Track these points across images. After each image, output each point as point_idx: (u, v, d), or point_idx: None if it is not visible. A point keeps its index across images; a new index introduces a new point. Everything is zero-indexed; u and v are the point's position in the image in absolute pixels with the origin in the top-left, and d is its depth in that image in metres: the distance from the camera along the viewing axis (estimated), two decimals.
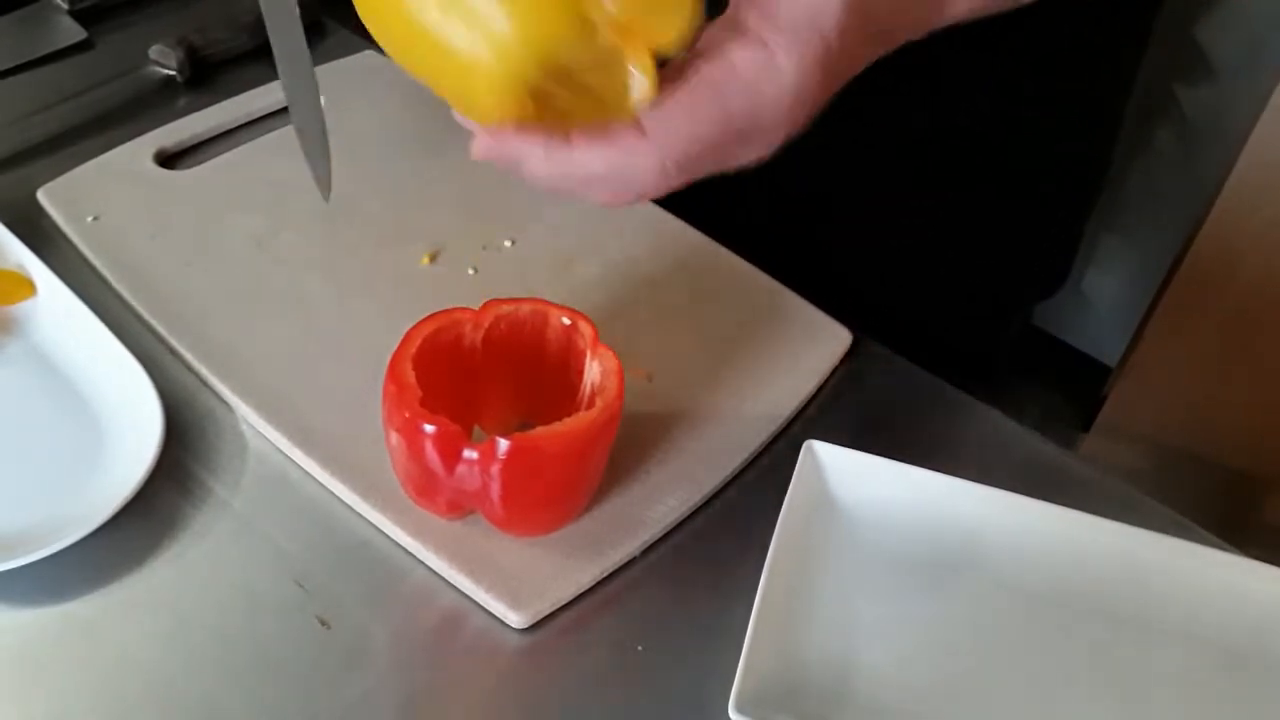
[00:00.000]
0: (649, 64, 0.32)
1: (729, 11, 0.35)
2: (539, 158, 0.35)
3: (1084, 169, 0.71)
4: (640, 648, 0.45)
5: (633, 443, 0.51)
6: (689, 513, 0.50)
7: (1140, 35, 0.66)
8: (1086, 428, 1.47)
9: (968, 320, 0.73)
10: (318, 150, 0.59)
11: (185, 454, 0.50)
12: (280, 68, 0.60)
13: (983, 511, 0.48)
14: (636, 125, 0.34)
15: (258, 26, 0.75)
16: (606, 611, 0.47)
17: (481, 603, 0.46)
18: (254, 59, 0.74)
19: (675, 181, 0.34)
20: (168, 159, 0.66)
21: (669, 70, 0.34)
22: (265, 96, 0.69)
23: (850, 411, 0.56)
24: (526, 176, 0.36)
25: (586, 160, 0.34)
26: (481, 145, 0.36)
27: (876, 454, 0.48)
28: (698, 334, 0.57)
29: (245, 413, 0.52)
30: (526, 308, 0.48)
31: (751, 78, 0.33)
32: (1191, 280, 1.29)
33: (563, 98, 0.34)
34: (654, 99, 0.33)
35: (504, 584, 0.46)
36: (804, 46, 0.34)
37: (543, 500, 0.46)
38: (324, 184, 0.58)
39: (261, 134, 0.67)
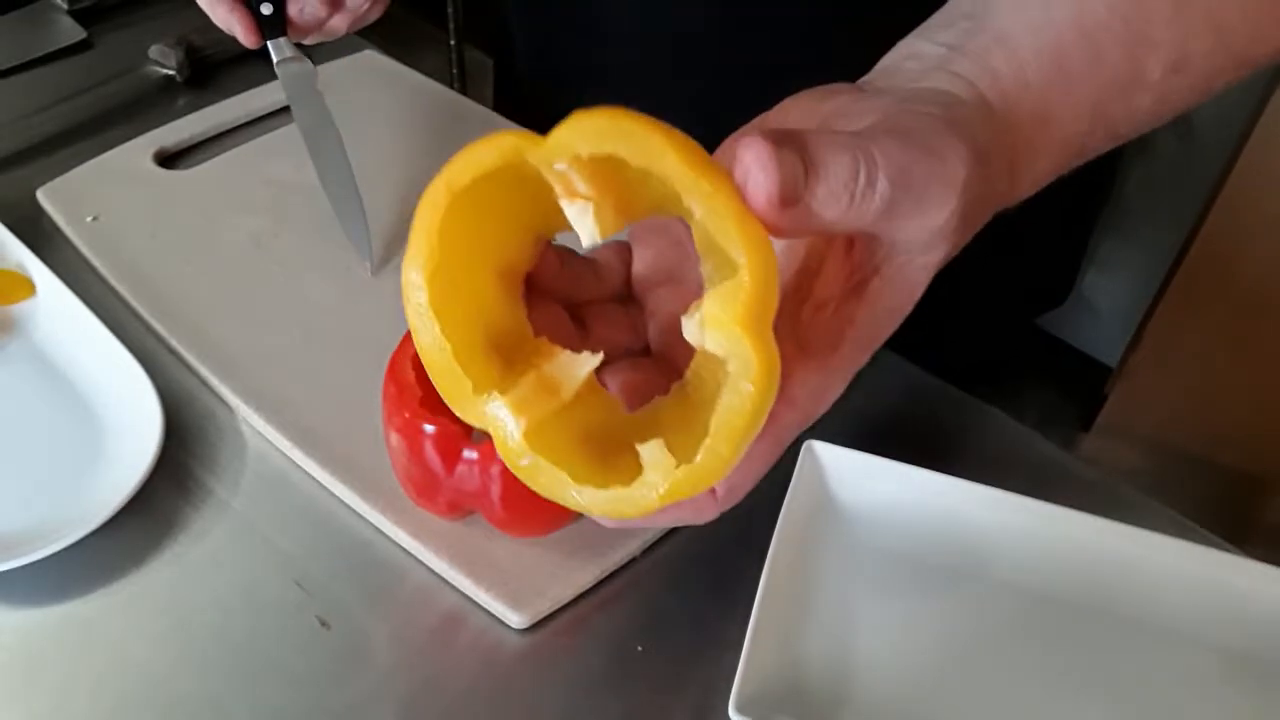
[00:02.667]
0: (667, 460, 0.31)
1: (786, 316, 0.34)
2: (613, 521, 0.34)
3: (1089, 182, 0.71)
4: (640, 648, 0.45)
5: None
6: None
7: None
8: (1087, 428, 1.47)
9: (973, 334, 0.73)
10: (356, 220, 0.58)
11: (185, 454, 0.50)
12: (309, 146, 0.60)
13: (983, 512, 0.47)
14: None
15: None
16: (606, 611, 0.46)
17: (481, 603, 0.46)
18: (253, 59, 0.74)
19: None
20: (167, 159, 0.66)
21: None
22: (265, 96, 0.69)
23: (850, 411, 0.55)
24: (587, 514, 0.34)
25: (657, 520, 0.34)
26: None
27: (876, 454, 0.48)
28: None
29: (245, 413, 0.52)
30: None
31: (808, 410, 0.34)
32: (1192, 280, 1.29)
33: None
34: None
35: (504, 584, 0.46)
36: (856, 367, 0.34)
37: (542, 500, 0.46)
38: (366, 252, 0.58)
39: (261, 134, 0.67)
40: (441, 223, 0.31)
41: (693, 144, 0.29)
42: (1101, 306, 1.56)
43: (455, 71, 1.70)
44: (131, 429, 0.49)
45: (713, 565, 0.48)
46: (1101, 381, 1.49)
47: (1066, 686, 0.45)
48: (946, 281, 0.70)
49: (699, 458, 0.29)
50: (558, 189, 0.31)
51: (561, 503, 0.32)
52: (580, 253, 0.36)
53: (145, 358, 0.51)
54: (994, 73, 0.35)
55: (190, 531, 0.47)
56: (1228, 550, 0.48)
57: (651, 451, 0.30)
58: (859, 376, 0.56)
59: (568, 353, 0.33)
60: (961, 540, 0.48)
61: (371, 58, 0.74)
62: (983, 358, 0.76)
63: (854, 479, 0.48)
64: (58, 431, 0.50)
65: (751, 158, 0.28)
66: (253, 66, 0.74)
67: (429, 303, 0.31)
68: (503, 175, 0.31)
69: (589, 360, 0.32)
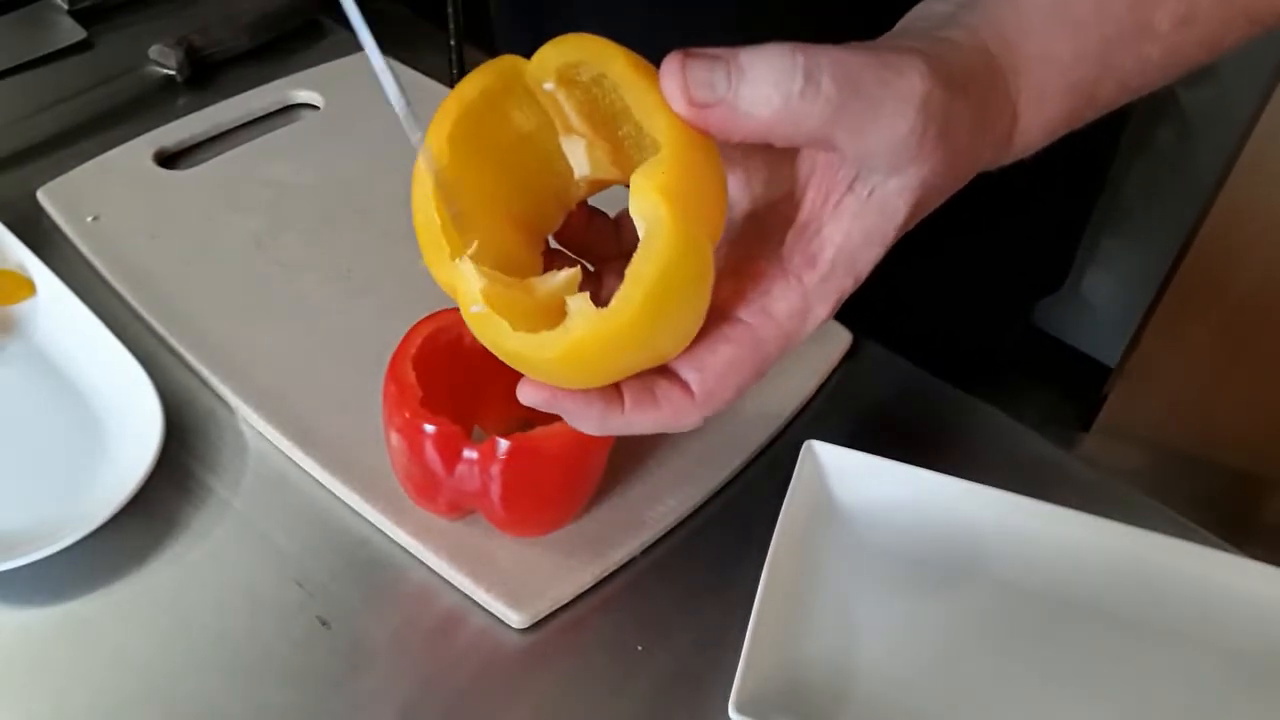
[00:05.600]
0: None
1: (775, 239, 0.36)
2: (592, 420, 0.35)
3: (1087, 163, 0.71)
4: (640, 648, 0.45)
5: (633, 443, 0.51)
6: (689, 513, 0.50)
7: None
8: (1087, 428, 1.48)
9: (969, 319, 0.73)
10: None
11: (185, 454, 0.50)
12: None
13: (983, 512, 0.48)
14: (682, 385, 0.35)
15: (257, 26, 0.75)
16: (606, 611, 0.47)
17: (481, 603, 0.46)
18: (253, 59, 0.75)
19: (710, 419, 0.37)
20: (167, 159, 0.66)
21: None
22: (265, 96, 0.69)
23: (850, 411, 0.56)
24: (572, 425, 0.36)
25: (637, 422, 0.36)
26: (532, 395, 0.36)
27: (876, 454, 0.48)
28: None
29: (245, 413, 0.52)
30: None
31: (788, 327, 0.36)
32: (1191, 280, 1.29)
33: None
34: (698, 352, 0.35)
35: (504, 584, 0.46)
36: (838, 292, 0.36)
37: (543, 500, 0.46)
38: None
39: (261, 134, 0.67)
40: (452, 129, 0.35)
41: (642, 59, 0.33)
42: (1101, 306, 1.56)
43: (455, 71, 1.70)
44: (132, 429, 0.49)
45: (713, 565, 0.48)
46: (1101, 381, 1.49)
47: (1066, 686, 0.45)
48: (943, 263, 0.70)
49: (612, 302, 0.32)
50: (557, 124, 0.35)
51: (500, 352, 0.34)
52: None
53: (145, 358, 0.51)
54: (997, 20, 0.36)
55: (190, 531, 0.47)
56: (1228, 550, 0.48)
57: (577, 301, 0.32)
58: (859, 376, 0.57)
59: (551, 273, 0.35)
60: (961, 540, 0.48)
61: None
62: (982, 349, 0.76)
63: (854, 479, 0.48)
64: (58, 431, 0.50)
65: (665, 63, 0.32)
66: (253, 66, 0.74)
67: (433, 188, 0.34)
68: (524, 140, 0.36)
69: (567, 274, 0.35)
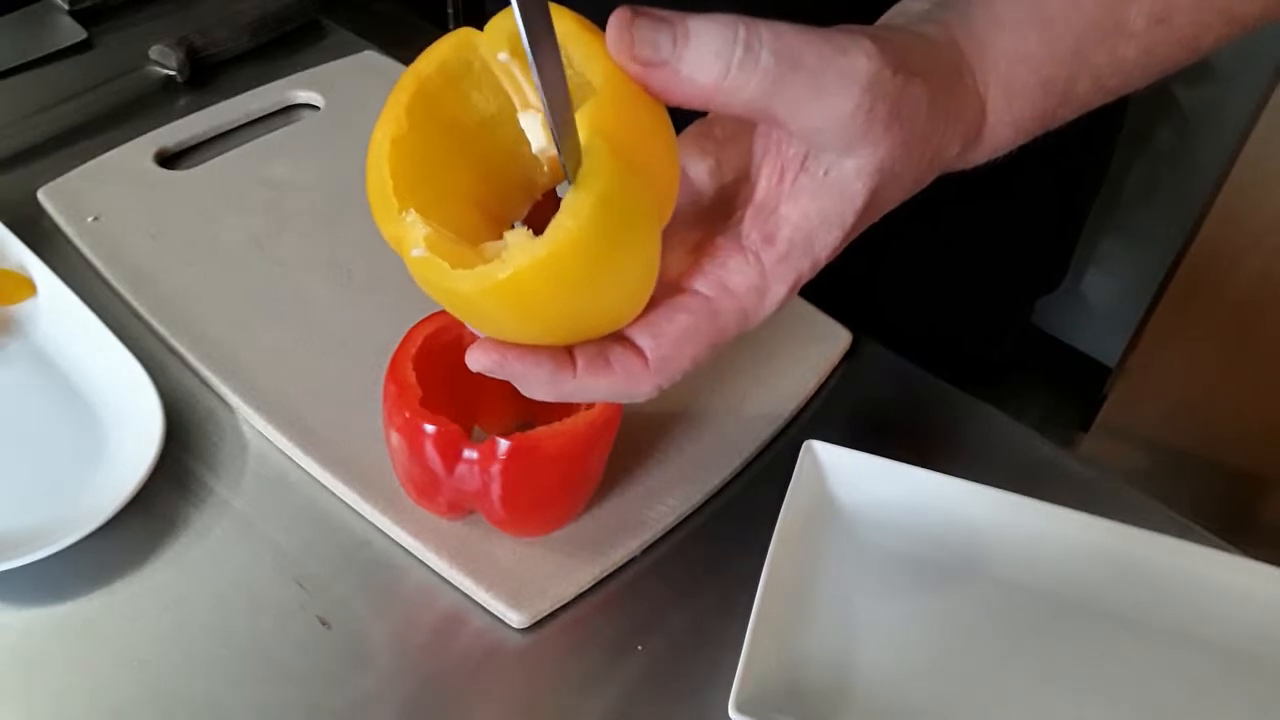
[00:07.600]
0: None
1: (736, 217, 0.36)
2: (542, 381, 0.35)
3: (1084, 163, 0.71)
4: (640, 648, 0.45)
5: (633, 443, 0.51)
6: (689, 513, 0.50)
7: None
8: (1086, 428, 1.47)
9: (968, 318, 0.73)
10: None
11: (186, 454, 0.50)
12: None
13: (982, 512, 0.48)
14: (637, 351, 0.35)
15: (258, 27, 0.75)
16: (606, 611, 0.47)
17: (481, 602, 0.46)
18: (254, 59, 0.75)
19: (665, 389, 0.37)
20: (168, 159, 0.66)
21: (666, 274, 0.35)
22: (265, 96, 0.69)
23: (850, 411, 0.56)
24: (523, 390, 0.36)
25: (589, 386, 0.35)
26: (481, 359, 0.35)
27: (876, 454, 0.48)
28: None
29: (246, 413, 0.52)
30: None
31: (745, 303, 0.36)
32: (1191, 280, 1.29)
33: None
34: (653, 319, 0.35)
35: (504, 584, 0.46)
36: (795, 272, 0.36)
37: (543, 500, 0.46)
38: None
39: (262, 134, 0.67)
40: (410, 104, 0.34)
41: (590, 22, 0.33)
42: (1100, 306, 1.56)
43: None
44: (132, 429, 0.49)
45: (713, 565, 0.48)
46: (1100, 381, 1.49)
47: (1066, 686, 0.45)
48: (941, 261, 0.70)
49: (546, 231, 0.31)
50: (515, 100, 0.35)
51: (441, 295, 0.34)
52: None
53: (146, 358, 0.51)
54: (968, 16, 0.36)
55: (191, 531, 0.48)
56: (1227, 550, 0.48)
57: (516, 234, 0.32)
58: (859, 376, 0.57)
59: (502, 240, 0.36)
60: (961, 540, 0.48)
61: (371, 58, 0.74)
62: (981, 348, 0.76)
63: (854, 479, 0.48)
64: (58, 431, 0.50)
65: (613, 16, 0.32)
66: (253, 67, 0.74)
67: (388, 153, 0.34)
68: (486, 125, 0.35)
69: (519, 232, 0.34)
